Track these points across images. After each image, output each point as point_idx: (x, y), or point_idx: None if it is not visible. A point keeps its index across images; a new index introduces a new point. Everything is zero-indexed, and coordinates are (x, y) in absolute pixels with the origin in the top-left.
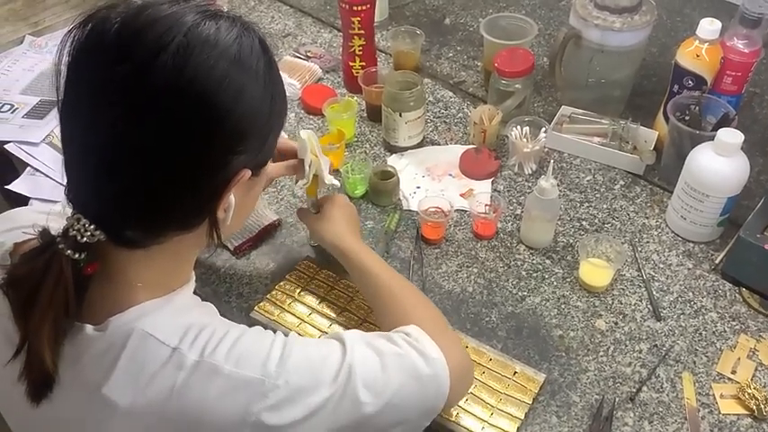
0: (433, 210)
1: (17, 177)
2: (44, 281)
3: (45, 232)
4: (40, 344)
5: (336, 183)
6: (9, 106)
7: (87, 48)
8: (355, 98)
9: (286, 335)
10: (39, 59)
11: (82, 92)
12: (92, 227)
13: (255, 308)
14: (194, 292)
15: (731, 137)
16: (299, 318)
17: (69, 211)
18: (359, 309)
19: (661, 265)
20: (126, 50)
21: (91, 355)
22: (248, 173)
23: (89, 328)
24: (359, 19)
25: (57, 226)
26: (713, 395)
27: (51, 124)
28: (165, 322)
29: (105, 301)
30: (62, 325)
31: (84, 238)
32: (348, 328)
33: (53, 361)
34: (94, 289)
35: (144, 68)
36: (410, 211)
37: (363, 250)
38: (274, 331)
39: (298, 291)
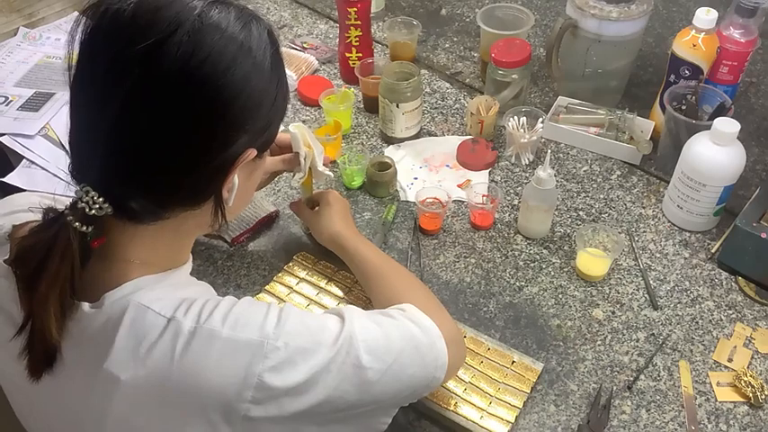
0: (431, 201)
1: (12, 170)
2: (51, 253)
3: (51, 208)
4: (47, 317)
5: (330, 174)
6: (3, 98)
7: (102, 28)
8: (352, 89)
9: None
10: (33, 51)
11: (96, 69)
12: (100, 199)
13: (253, 299)
14: None
15: (727, 126)
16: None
17: (64, 199)
18: (357, 299)
19: (658, 255)
20: (142, 29)
21: (89, 332)
22: (254, 152)
23: (86, 305)
24: (355, 10)
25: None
26: (710, 383)
27: (46, 116)
28: (160, 296)
29: (101, 278)
30: (67, 300)
31: (93, 211)
32: None
33: (58, 335)
34: (92, 267)
35: (158, 46)
36: (407, 202)
37: (360, 241)
38: None
39: (296, 282)
